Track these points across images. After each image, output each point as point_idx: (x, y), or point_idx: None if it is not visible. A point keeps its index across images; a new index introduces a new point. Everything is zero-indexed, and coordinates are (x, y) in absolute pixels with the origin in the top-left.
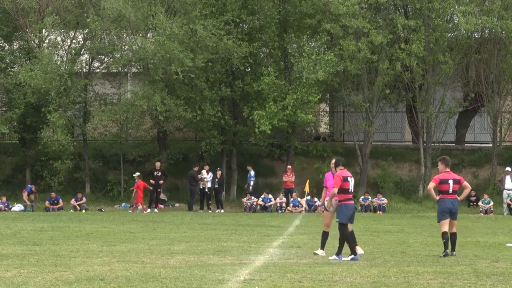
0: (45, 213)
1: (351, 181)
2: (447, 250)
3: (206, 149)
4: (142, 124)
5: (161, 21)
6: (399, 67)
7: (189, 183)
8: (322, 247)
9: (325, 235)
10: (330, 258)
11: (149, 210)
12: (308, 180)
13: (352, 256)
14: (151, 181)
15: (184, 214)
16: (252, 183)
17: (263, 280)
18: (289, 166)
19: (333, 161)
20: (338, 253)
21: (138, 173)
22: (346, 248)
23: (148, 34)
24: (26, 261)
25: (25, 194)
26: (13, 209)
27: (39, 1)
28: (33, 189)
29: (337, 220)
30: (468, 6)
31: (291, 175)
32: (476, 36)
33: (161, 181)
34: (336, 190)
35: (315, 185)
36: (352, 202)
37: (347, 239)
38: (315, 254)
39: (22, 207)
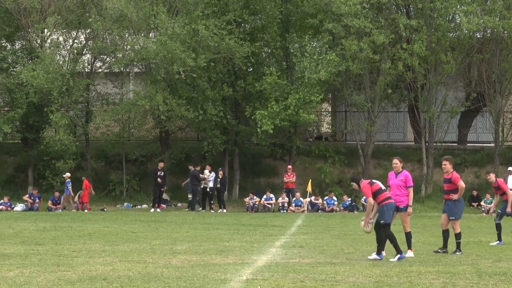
0: (47, 213)
1: (378, 182)
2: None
3: (208, 149)
4: (144, 124)
5: (163, 21)
6: (401, 67)
7: (191, 182)
8: (410, 247)
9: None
10: (369, 257)
11: (152, 210)
12: (310, 180)
13: (399, 255)
14: (159, 180)
15: (186, 214)
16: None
17: (266, 280)
18: (289, 166)
19: (395, 160)
20: (379, 252)
21: (68, 174)
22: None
23: (150, 34)
24: (28, 261)
25: (29, 198)
26: (15, 208)
27: (41, 1)
28: (34, 192)
29: (382, 221)
30: (470, 6)
31: (291, 175)
32: (478, 36)
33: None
34: (371, 200)
35: (317, 185)
36: (392, 200)
37: (391, 239)
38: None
39: (25, 207)
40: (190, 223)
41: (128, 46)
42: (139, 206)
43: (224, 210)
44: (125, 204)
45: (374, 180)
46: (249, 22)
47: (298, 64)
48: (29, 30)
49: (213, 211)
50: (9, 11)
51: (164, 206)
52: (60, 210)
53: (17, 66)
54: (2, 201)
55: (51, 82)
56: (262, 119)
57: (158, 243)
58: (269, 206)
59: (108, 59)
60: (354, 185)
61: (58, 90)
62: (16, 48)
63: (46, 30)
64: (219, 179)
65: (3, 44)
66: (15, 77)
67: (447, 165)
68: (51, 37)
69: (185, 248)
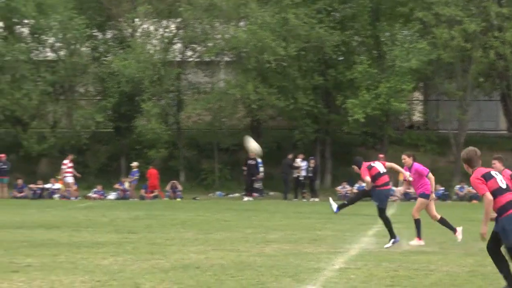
0: (140, 201)
1: (376, 165)
2: None
3: (299, 138)
4: (235, 113)
5: (253, 10)
6: (493, 55)
7: (283, 171)
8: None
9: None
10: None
11: (246, 199)
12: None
13: (393, 239)
14: (245, 168)
15: (278, 203)
16: (262, 169)
17: (359, 269)
18: (381, 155)
19: (403, 156)
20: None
21: (136, 163)
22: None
23: (240, 23)
24: (122, 249)
25: (119, 186)
26: (108, 197)
27: None
28: (123, 181)
29: (378, 205)
30: None
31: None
32: None
33: (260, 175)
34: (369, 179)
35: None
36: (389, 186)
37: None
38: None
39: (117, 195)
40: (283, 212)
41: (219, 35)
42: (231, 195)
43: (316, 199)
44: (217, 192)
45: (373, 164)
46: (339, 10)
47: (389, 53)
48: (120, 19)
49: (305, 200)
50: (100, 0)
51: (256, 194)
52: (150, 199)
53: (108, 55)
54: (95, 189)
55: (142, 71)
56: (353, 108)
57: (250, 232)
58: None
59: (198, 48)
60: (355, 168)
61: (149, 79)
62: (108, 37)
63: (137, 20)
64: (311, 168)
65: (95, 33)
66: (106, 66)
67: (496, 164)
68: (142, 26)
69: (278, 237)
